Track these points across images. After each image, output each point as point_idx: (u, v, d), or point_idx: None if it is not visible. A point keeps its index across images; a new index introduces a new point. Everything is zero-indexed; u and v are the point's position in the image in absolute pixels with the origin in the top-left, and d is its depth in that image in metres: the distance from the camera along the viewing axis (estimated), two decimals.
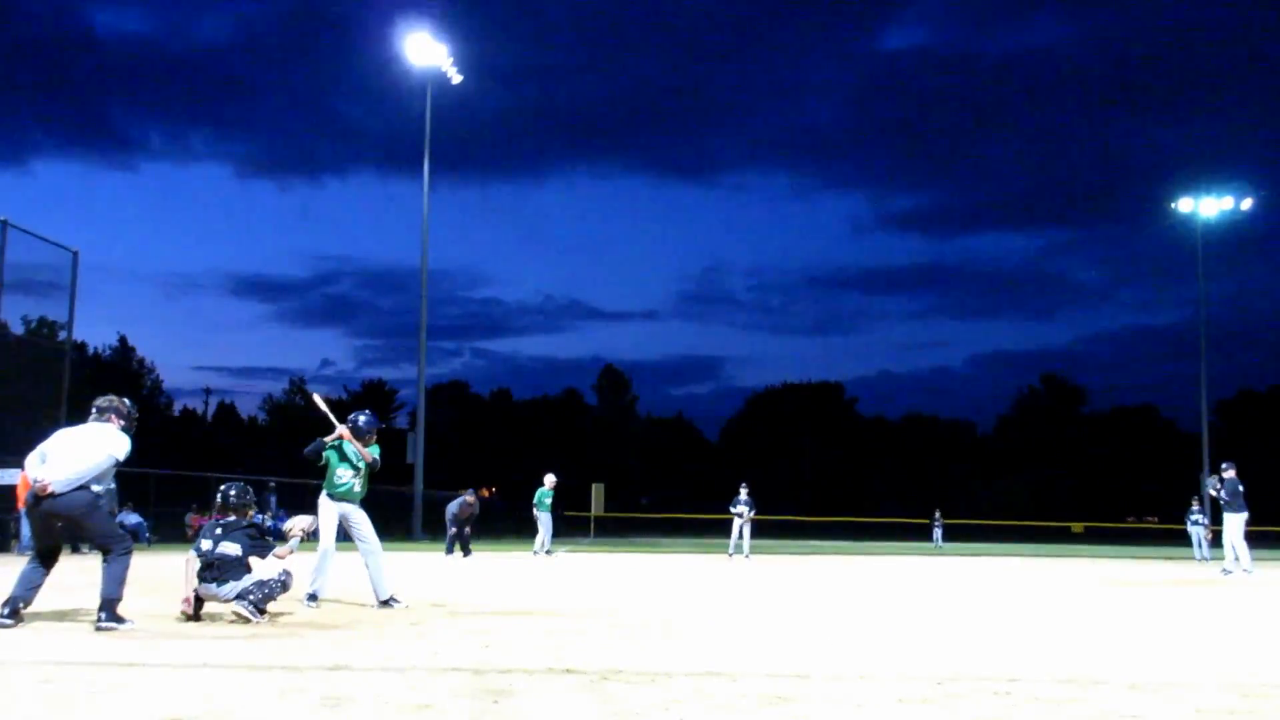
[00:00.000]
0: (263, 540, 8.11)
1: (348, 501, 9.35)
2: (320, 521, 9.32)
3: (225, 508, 8.25)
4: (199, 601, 7.74)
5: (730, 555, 24.30)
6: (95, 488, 7.07)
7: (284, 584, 7.83)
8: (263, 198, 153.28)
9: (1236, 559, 17.83)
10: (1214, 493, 18.72)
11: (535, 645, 6.61)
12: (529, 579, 14.74)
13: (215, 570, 7.70)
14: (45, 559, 7.26)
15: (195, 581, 7.70)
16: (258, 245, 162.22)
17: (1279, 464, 75.31)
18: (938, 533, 44.38)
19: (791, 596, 12.10)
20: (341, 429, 9.32)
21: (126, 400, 7.63)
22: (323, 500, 9.36)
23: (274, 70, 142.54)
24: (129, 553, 7.20)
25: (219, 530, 7.98)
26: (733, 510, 24.74)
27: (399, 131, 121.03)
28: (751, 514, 24.71)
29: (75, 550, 16.67)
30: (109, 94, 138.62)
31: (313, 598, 8.95)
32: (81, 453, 7.06)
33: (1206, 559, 27.64)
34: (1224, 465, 18.74)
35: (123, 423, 7.42)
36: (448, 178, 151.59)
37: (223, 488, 8.41)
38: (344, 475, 9.32)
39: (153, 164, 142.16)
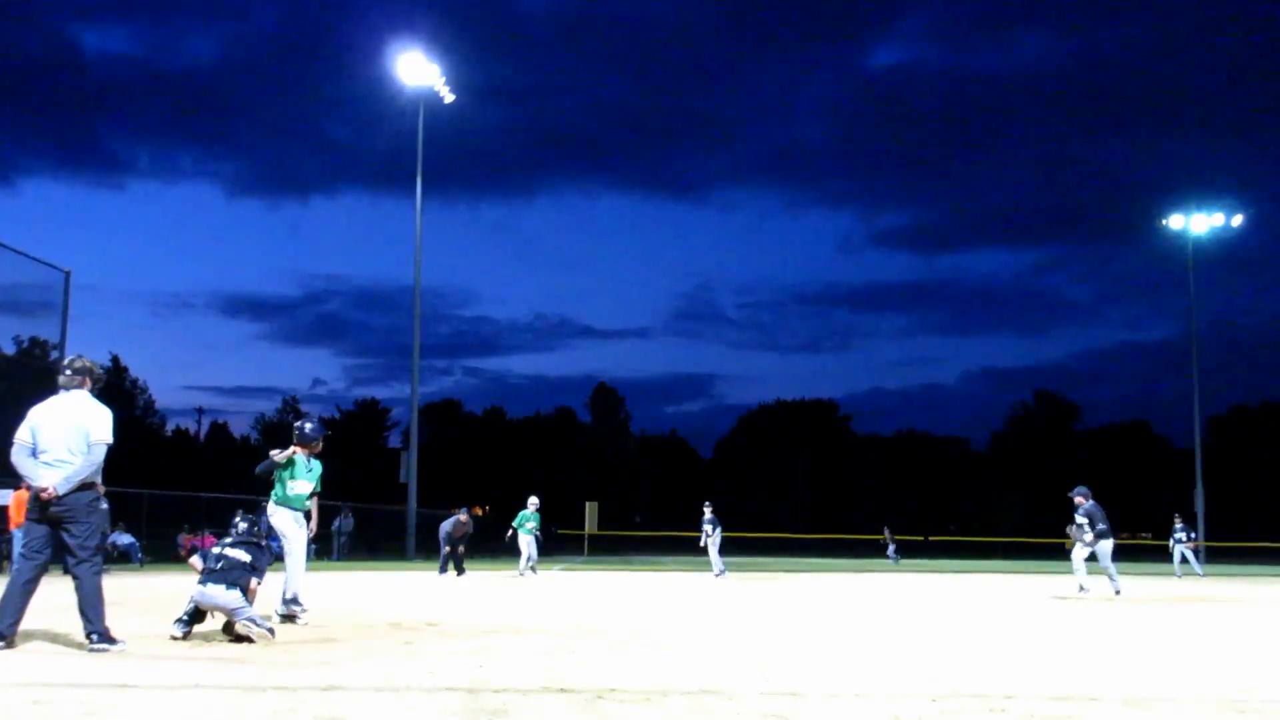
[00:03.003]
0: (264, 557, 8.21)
1: (299, 510, 9.63)
2: (289, 532, 9.52)
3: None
4: (198, 614, 7.73)
5: (716, 574, 24.18)
6: (95, 477, 7.07)
7: (271, 631, 7.81)
8: (252, 217, 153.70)
9: (1076, 575, 16.95)
10: (1076, 532, 16.89)
11: (530, 664, 6.59)
12: (523, 597, 14.69)
13: (222, 573, 7.74)
14: (34, 579, 7.20)
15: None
16: (248, 265, 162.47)
17: (1272, 480, 75.78)
18: (892, 549, 42.94)
19: (786, 613, 12.07)
20: (293, 448, 9.59)
21: (97, 363, 7.57)
22: (280, 511, 9.51)
23: (262, 90, 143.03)
24: (100, 573, 7.19)
25: (228, 540, 8.14)
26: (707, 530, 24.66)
27: (388, 150, 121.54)
28: (717, 532, 24.51)
29: (66, 571, 16.57)
30: (97, 114, 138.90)
31: (295, 602, 9.05)
32: (75, 443, 7.00)
33: (1197, 573, 27.71)
34: (1077, 492, 17.22)
35: (93, 385, 7.33)
36: (438, 196, 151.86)
37: (236, 519, 8.53)
38: (296, 486, 9.59)
39: (141, 183, 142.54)
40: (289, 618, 9.21)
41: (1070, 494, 17.35)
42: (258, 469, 9.58)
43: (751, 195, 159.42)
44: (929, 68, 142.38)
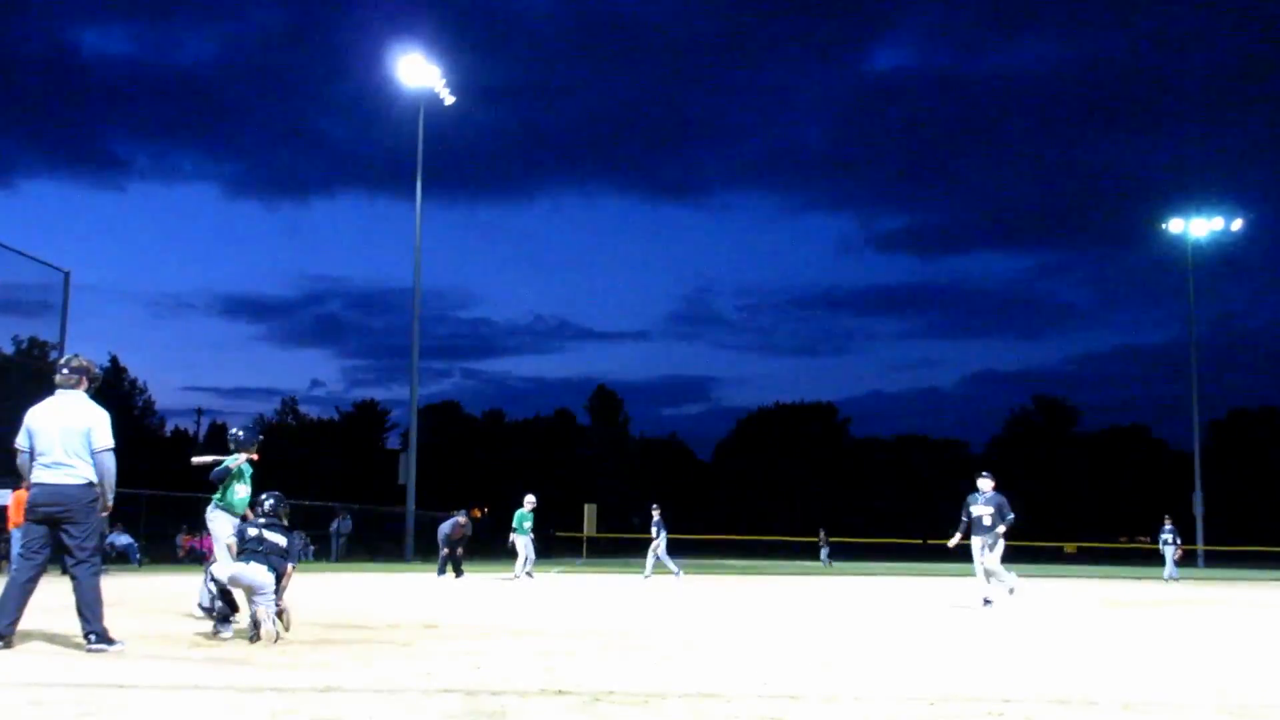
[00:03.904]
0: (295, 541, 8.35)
1: (240, 515, 9.69)
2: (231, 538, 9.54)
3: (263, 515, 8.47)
4: (226, 596, 7.80)
5: (647, 577, 23.38)
6: (92, 477, 7.06)
7: (277, 634, 7.84)
8: (251, 218, 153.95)
9: (1004, 582, 13.85)
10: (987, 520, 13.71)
11: (528, 666, 6.60)
12: (521, 599, 14.69)
13: (264, 554, 7.82)
14: (33, 579, 7.20)
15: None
16: (247, 266, 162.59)
17: (1271, 484, 75.77)
18: (824, 553, 42.65)
19: (784, 616, 12.07)
20: (241, 455, 9.72)
21: (94, 362, 7.56)
22: (221, 516, 9.52)
23: (262, 90, 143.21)
24: (99, 573, 7.20)
25: (262, 520, 8.22)
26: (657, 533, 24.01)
27: (387, 152, 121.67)
28: (663, 535, 23.92)
29: (65, 571, 16.57)
30: (97, 114, 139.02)
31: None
32: (73, 445, 6.96)
33: (1167, 578, 27.59)
34: (982, 475, 14.32)
35: (90, 384, 7.32)
36: (437, 198, 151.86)
37: (262, 496, 8.66)
38: (242, 491, 9.69)
39: (141, 184, 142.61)
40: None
41: (979, 476, 14.21)
42: (213, 475, 9.58)
43: (751, 198, 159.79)
44: (928, 70, 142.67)
